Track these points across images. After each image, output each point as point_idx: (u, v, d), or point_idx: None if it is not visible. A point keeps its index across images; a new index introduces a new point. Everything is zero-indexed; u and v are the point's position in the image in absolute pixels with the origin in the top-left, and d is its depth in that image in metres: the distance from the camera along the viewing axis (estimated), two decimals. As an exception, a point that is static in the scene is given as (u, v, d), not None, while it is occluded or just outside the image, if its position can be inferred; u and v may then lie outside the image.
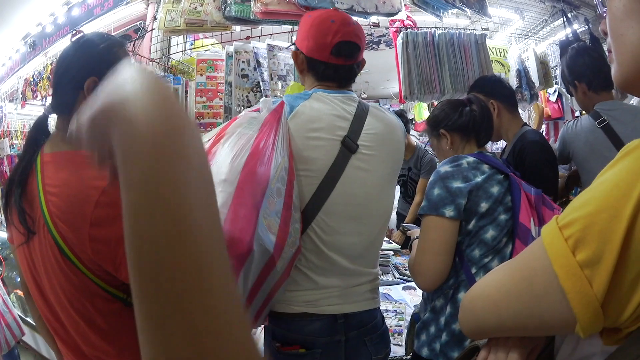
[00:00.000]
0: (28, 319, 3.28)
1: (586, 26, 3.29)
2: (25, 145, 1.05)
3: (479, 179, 1.24)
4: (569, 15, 3.32)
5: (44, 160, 0.97)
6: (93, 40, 1.04)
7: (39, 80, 3.33)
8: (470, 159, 1.29)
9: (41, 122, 1.07)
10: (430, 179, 1.30)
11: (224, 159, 0.95)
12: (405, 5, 2.20)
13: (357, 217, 1.13)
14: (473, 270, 1.23)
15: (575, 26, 3.28)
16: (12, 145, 3.85)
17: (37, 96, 3.33)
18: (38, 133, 1.05)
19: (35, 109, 3.69)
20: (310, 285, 1.11)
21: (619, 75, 0.50)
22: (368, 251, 1.17)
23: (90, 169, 0.90)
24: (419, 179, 3.08)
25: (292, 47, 1.27)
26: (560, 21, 3.43)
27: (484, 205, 1.23)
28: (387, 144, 1.19)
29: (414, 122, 3.28)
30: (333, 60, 1.16)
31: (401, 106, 4.23)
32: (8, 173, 3.20)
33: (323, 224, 1.10)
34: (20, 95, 3.49)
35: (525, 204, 1.25)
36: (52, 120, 1.10)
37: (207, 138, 1.02)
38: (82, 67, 0.99)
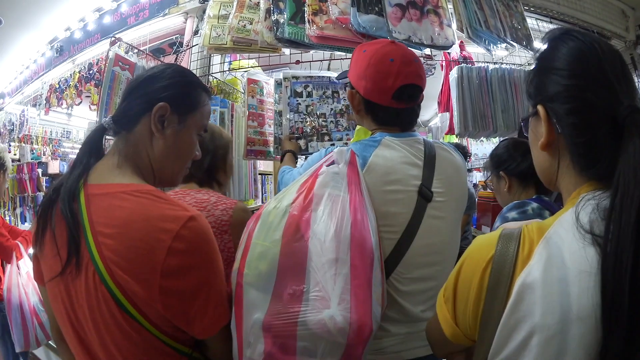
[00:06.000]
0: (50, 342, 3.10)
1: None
2: (75, 161, 0.91)
3: None
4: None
5: (90, 192, 0.83)
6: (183, 71, 0.98)
7: (66, 87, 3.24)
8: (535, 205, 1.28)
9: (97, 136, 0.92)
10: (496, 224, 1.30)
11: (325, 230, 0.88)
12: (459, 39, 2.15)
13: (434, 263, 1.09)
14: None
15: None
16: (32, 151, 3.76)
17: (62, 104, 3.24)
18: (91, 149, 0.91)
19: (58, 116, 3.61)
20: (381, 334, 1.06)
21: None
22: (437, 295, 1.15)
23: (158, 208, 0.79)
24: None
25: (345, 81, 1.21)
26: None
27: None
28: (456, 187, 1.14)
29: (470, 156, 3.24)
30: (394, 105, 1.09)
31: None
32: (27, 181, 3.09)
33: (400, 277, 1.05)
34: (45, 101, 3.40)
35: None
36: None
37: (289, 199, 0.94)
38: (160, 89, 0.90)
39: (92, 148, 0.92)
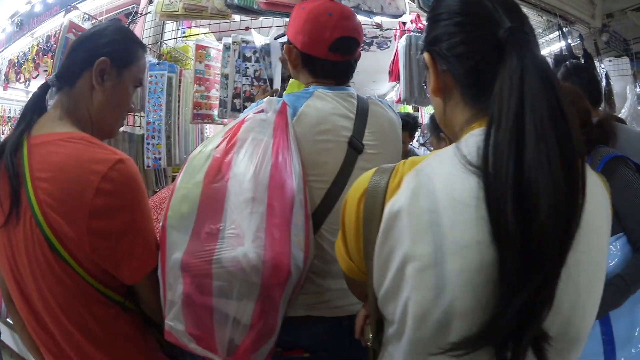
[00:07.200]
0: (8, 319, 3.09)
1: (579, 41, 3.38)
2: (20, 118, 0.95)
3: None
4: (564, 29, 3.35)
5: (32, 143, 0.86)
6: (123, 28, 1.06)
7: (24, 61, 3.16)
8: None
9: (41, 94, 0.97)
10: None
11: (245, 171, 0.88)
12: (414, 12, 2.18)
13: None
14: None
15: (569, 40, 3.31)
16: (-8, 130, 3.67)
17: (20, 78, 3.16)
18: (34, 106, 0.95)
19: (17, 93, 3.53)
20: (314, 289, 1.07)
21: None
22: None
23: (90, 151, 0.83)
24: None
25: (284, 39, 1.21)
26: (554, 34, 3.46)
27: None
28: (388, 141, 1.16)
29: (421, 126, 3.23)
30: (330, 57, 1.11)
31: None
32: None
33: (331, 227, 1.06)
34: (3, 77, 3.31)
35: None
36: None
37: (214, 144, 0.95)
38: (102, 45, 0.95)
39: (35, 105, 0.96)
